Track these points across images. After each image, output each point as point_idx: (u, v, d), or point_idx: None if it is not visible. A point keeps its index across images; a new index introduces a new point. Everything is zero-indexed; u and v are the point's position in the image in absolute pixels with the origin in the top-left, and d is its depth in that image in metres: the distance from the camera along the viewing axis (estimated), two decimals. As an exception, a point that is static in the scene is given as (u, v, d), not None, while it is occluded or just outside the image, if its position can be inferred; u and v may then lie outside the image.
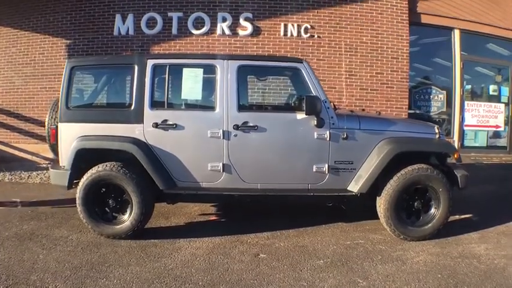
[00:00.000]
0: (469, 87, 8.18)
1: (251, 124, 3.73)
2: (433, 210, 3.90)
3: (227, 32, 7.58)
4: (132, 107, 3.82)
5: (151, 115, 3.77)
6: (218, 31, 7.59)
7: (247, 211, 4.85)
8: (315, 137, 3.79)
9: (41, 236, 3.90)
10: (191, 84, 3.73)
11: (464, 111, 7.70)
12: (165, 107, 3.83)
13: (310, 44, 7.68)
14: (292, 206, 4.97)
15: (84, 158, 3.83)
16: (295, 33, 7.63)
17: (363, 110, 5.86)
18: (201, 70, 3.80)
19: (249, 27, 7.57)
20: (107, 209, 3.86)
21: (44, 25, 7.68)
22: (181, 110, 3.95)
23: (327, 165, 3.82)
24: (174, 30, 7.54)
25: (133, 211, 3.73)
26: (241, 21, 7.58)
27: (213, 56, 4.27)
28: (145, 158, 3.70)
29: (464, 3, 8.00)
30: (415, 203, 3.90)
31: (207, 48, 7.59)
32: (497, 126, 7.87)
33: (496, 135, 8.14)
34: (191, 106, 4.03)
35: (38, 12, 7.73)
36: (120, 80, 4.27)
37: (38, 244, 3.68)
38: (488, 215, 4.68)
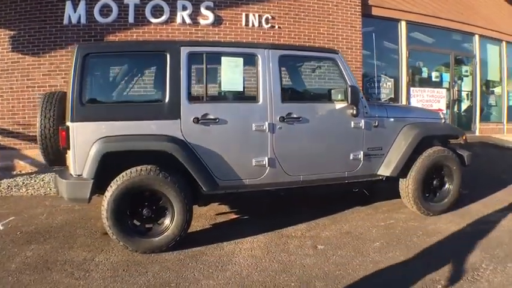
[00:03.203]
0: (414, 74, 9.11)
1: (295, 115, 3.64)
2: (447, 186, 4.33)
3: (188, 20, 7.17)
4: (166, 101, 3.38)
5: (189, 109, 3.40)
6: (178, 20, 7.13)
7: (262, 206, 4.72)
8: (352, 126, 3.88)
9: (59, 262, 3.18)
10: (231, 74, 3.46)
11: (410, 96, 8.58)
12: (204, 100, 3.50)
13: (271, 34, 7.70)
14: (303, 197, 4.97)
15: (107, 164, 3.28)
16: (256, 24, 7.56)
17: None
18: (241, 59, 3.54)
19: (210, 17, 7.27)
20: (135, 221, 3.39)
21: (-17, 14, 6.32)
22: (222, 103, 3.65)
23: (362, 153, 3.95)
24: (131, 19, 6.85)
25: (174, 219, 3.33)
26: (202, 10, 7.23)
27: (254, 45, 4.03)
28: (187, 158, 3.33)
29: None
30: (434, 181, 4.27)
31: (167, 38, 7.07)
32: (439, 110, 8.94)
33: (440, 118, 9.23)
34: (232, 98, 3.75)
35: (-25, 0, 6.33)
36: (147, 69, 3.73)
37: (65, 274, 2.98)
38: (474, 189, 5.24)
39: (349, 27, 8.08)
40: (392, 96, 8.54)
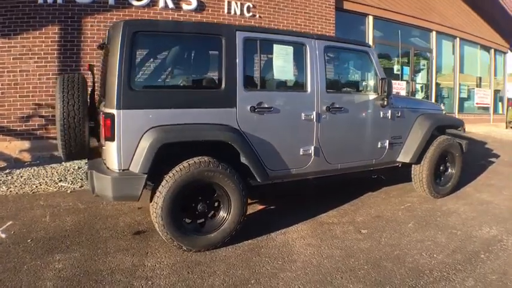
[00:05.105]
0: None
1: (337, 105, 3.74)
2: (450, 170, 4.79)
3: (170, 5, 6.85)
4: (222, 88, 3.23)
5: (245, 97, 3.29)
6: (161, 4, 6.79)
7: (279, 195, 4.75)
8: (381, 116, 4.11)
9: (105, 272, 2.79)
10: (283, 62, 3.44)
11: (375, 88, 9.13)
12: (258, 87, 3.41)
13: (252, 23, 7.67)
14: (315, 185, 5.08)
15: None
16: (238, 12, 7.49)
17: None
18: (291, 48, 3.52)
19: (193, 2, 7.03)
20: (186, 219, 3.20)
21: None
22: (275, 91, 3.60)
23: (387, 141, 4.20)
24: (111, 0, 6.33)
25: (231, 212, 3.23)
26: (186, -5, 6.95)
27: (303, 34, 3.96)
28: (245, 148, 3.24)
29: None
30: (441, 167, 4.69)
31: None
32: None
33: (399, 108, 10.02)
34: (283, 87, 3.71)
35: None
36: (200, 53, 3.48)
37: (122, 285, 2.61)
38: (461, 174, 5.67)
39: (323, 20, 8.35)
40: (361, 87, 9.06)
